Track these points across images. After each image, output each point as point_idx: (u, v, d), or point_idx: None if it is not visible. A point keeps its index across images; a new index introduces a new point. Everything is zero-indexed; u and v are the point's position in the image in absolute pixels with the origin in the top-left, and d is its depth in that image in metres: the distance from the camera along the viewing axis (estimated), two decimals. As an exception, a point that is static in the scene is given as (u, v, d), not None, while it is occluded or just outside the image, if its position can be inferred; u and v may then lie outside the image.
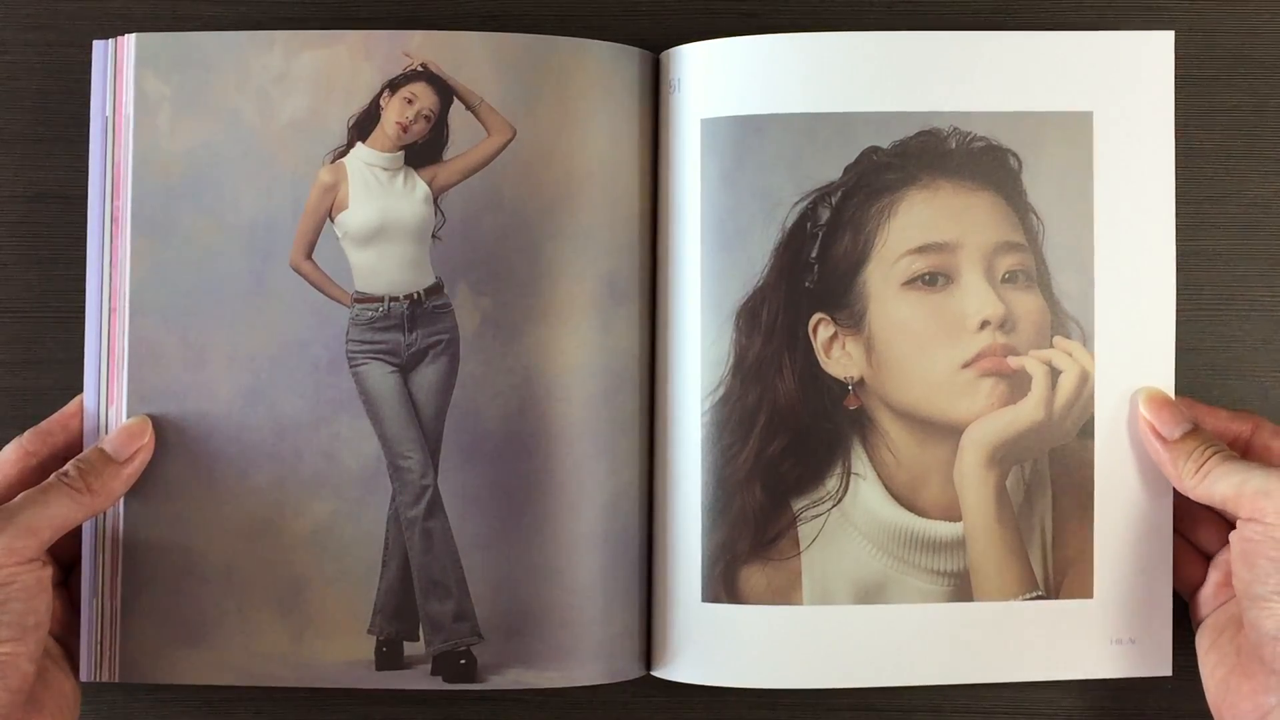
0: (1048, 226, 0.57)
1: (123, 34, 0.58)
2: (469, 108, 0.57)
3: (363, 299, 0.57)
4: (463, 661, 0.56)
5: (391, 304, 0.57)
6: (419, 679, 0.56)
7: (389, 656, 0.57)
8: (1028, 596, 0.56)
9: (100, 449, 0.55)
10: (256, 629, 0.57)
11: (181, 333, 0.57)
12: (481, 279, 0.57)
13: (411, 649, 0.57)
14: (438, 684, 0.56)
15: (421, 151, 0.57)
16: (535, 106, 0.57)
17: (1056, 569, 0.57)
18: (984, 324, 0.56)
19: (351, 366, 0.57)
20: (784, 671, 0.56)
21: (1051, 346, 0.57)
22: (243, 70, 0.57)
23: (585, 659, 0.56)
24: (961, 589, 0.56)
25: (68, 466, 0.54)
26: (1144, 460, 0.56)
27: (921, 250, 0.56)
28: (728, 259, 0.57)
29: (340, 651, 0.56)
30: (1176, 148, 0.57)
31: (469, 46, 0.57)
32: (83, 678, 0.56)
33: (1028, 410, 0.56)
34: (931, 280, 0.56)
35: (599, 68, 0.57)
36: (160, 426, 0.57)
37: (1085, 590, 0.57)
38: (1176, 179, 0.57)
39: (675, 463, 0.58)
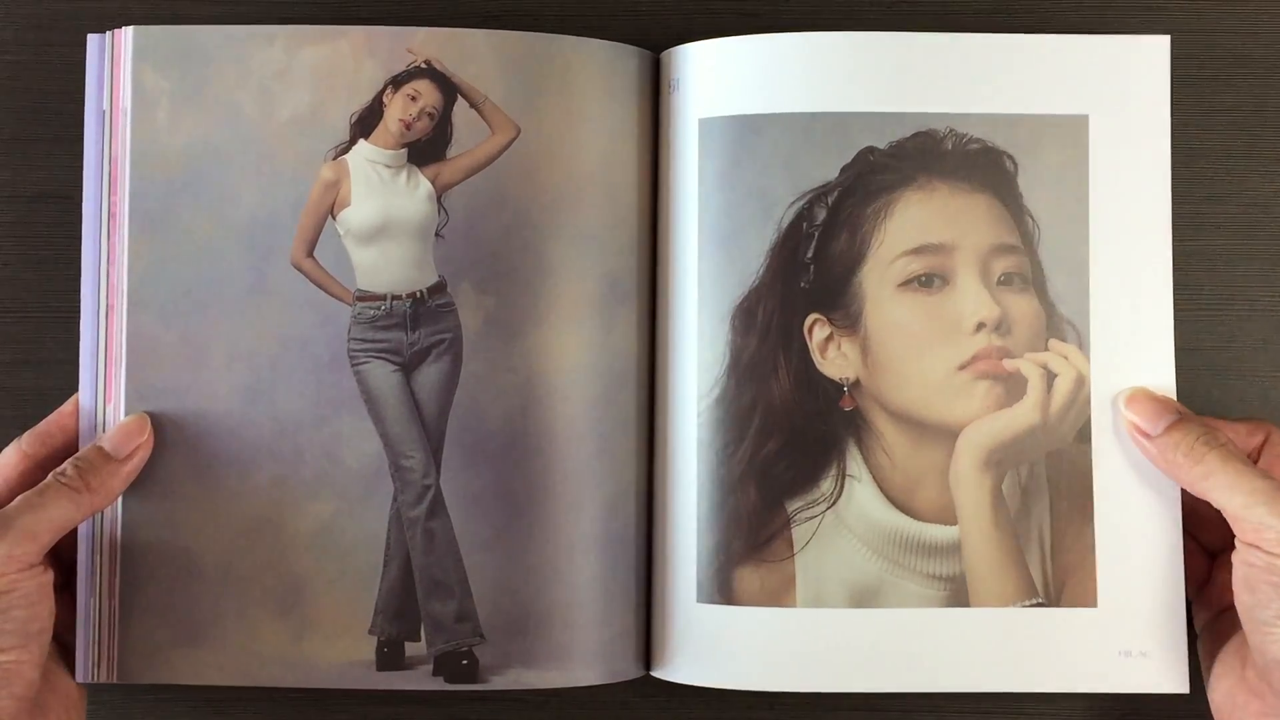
0: (1043, 229, 0.55)
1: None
2: (473, 105, 0.55)
3: (365, 297, 0.55)
4: (464, 662, 0.54)
5: (394, 302, 0.55)
6: (420, 679, 0.54)
7: (390, 657, 0.54)
8: (1027, 603, 0.54)
9: (99, 447, 0.53)
10: (256, 629, 0.54)
11: (181, 330, 0.55)
12: (485, 278, 0.55)
13: (413, 649, 0.54)
14: (439, 684, 0.54)
15: (425, 149, 0.55)
16: (538, 105, 0.55)
17: (1057, 576, 0.54)
18: (979, 326, 0.54)
19: (353, 365, 0.55)
20: (778, 674, 0.54)
21: (1047, 349, 0.54)
22: (243, 65, 0.55)
23: (585, 659, 0.54)
24: (958, 594, 0.54)
25: (65, 465, 0.51)
26: (1146, 464, 0.54)
27: (917, 251, 0.54)
28: (724, 259, 0.55)
29: (341, 652, 0.54)
30: (1176, 148, 0.55)
31: (472, 44, 0.55)
32: (79, 678, 0.54)
33: (1023, 413, 0.54)
34: (927, 282, 0.54)
35: (601, 67, 0.55)
36: (159, 424, 0.54)
37: (1089, 599, 0.54)
38: (1176, 179, 0.55)
39: (673, 463, 0.55)
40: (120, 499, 0.54)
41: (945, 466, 0.54)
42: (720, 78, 0.55)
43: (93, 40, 0.56)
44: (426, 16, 0.59)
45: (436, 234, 0.55)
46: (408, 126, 0.55)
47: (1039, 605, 0.54)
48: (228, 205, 0.55)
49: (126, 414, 0.54)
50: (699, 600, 0.54)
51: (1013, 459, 0.54)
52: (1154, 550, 0.54)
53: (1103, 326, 0.55)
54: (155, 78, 0.55)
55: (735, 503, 0.54)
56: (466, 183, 0.55)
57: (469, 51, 0.55)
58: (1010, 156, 0.55)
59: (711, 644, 0.54)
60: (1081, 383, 0.54)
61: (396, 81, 0.55)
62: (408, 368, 0.55)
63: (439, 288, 0.55)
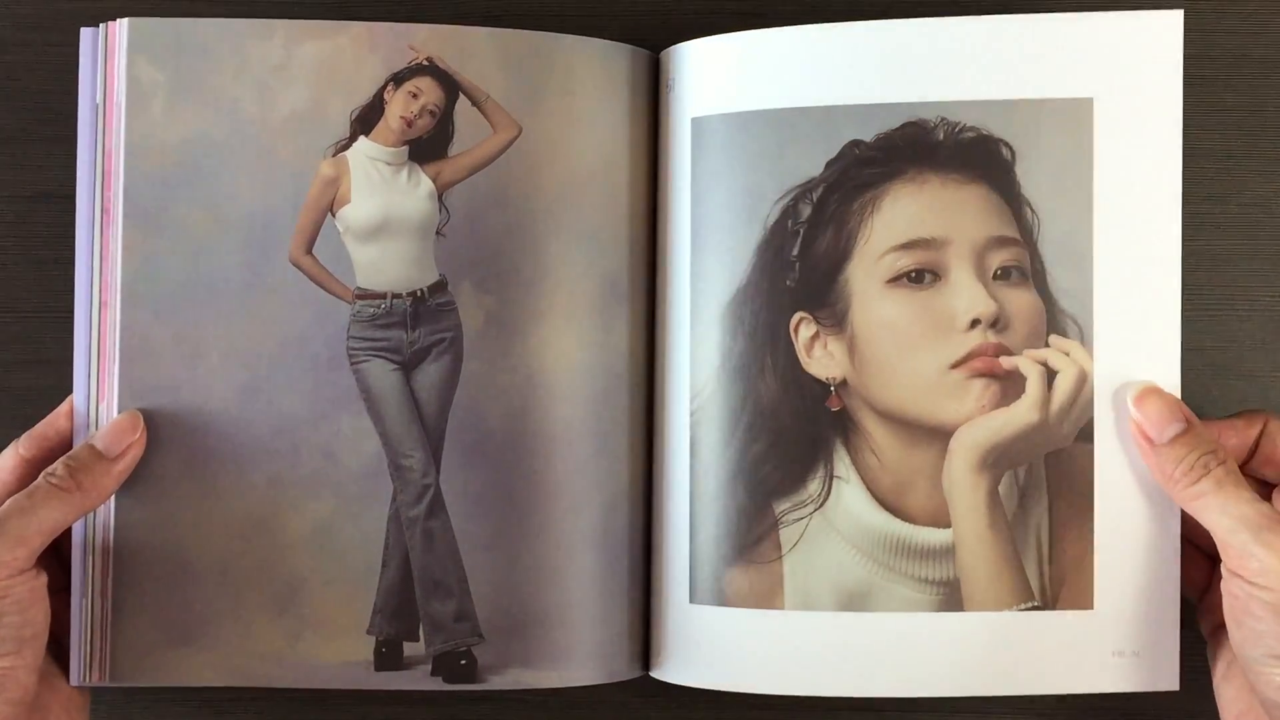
0: (1044, 220, 0.51)
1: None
2: (475, 103, 0.52)
3: (365, 295, 0.52)
4: (463, 662, 0.51)
5: (394, 301, 0.53)
6: (419, 680, 0.51)
7: (388, 657, 0.52)
8: (1022, 607, 0.50)
9: (90, 445, 0.50)
10: (252, 629, 0.51)
11: (176, 327, 0.52)
12: (485, 277, 0.52)
13: (411, 649, 0.52)
14: (438, 684, 0.51)
15: (426, 147, 0.53)
16: (540, 104, 0.52)
17: (1054, 579, 0.50)
18: (974, 322, 0.50)
19: (352, 364, 0.52)
20: (767, 676, 0.51)
21: (1048, 346, 0.51)
22: (241, 59, 0.52)
23: (584, 659, 0.52)
24: (951, 598, 0.50)
25: (55, 465, 0.49)
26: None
27: (907, 246, 0.51)
28: (714, 258, 0.52)
29: (339, 652, 0.51)
30: (1175, 148, 0.53)
31: (474, 42, 0.52)
32: (73, 681, 0.51)
33: (1022, 412, 0.50)
34: (918, 277, 0.51)
35: (602, 67, 0.53)
36: (153, 423, 0.51)
37: (1085, 601, 0.50)
38: (1176, 179, 0.53)
39: (668, 463, 0.53)
40: (113, 498, 0.51)
41: (938, 468, 0.51)
42: (709, 76, 0.52)
43: (86, 33, 0.52)
44: (426, 15, 0.57)
45: (437, 232, 0.53)
46: (409, 124, 0.53)
47: (1034, 609, 0.50)
48: (225, 201, 0.52)
49: (119, 412, 0.51)
50: (691, 601, 0.52)
51: (1010, 460, 0.51)
52: (1153, 550, 0.50)
53: (1107, 321, 0.50)
54: (150, 70, 0.52)
55: (724, 503, 0.52)
56: (467, 181, 0.52)
57: (470, 50, 0.52)
58: (1007, 144, 0.51)
59: (703, 645, 0.52)
60: (1084, 380, 0.50)
61: (398, 78, 0.52)
62: (407, 366, 0.53)
63: (439, 286, 0.53)
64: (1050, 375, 0.51)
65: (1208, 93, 0.56)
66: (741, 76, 0.52)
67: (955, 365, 0.51)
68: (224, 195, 0.52)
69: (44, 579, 0.48)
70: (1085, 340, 0.51)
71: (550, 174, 0.53)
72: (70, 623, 0.51)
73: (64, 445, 0.52)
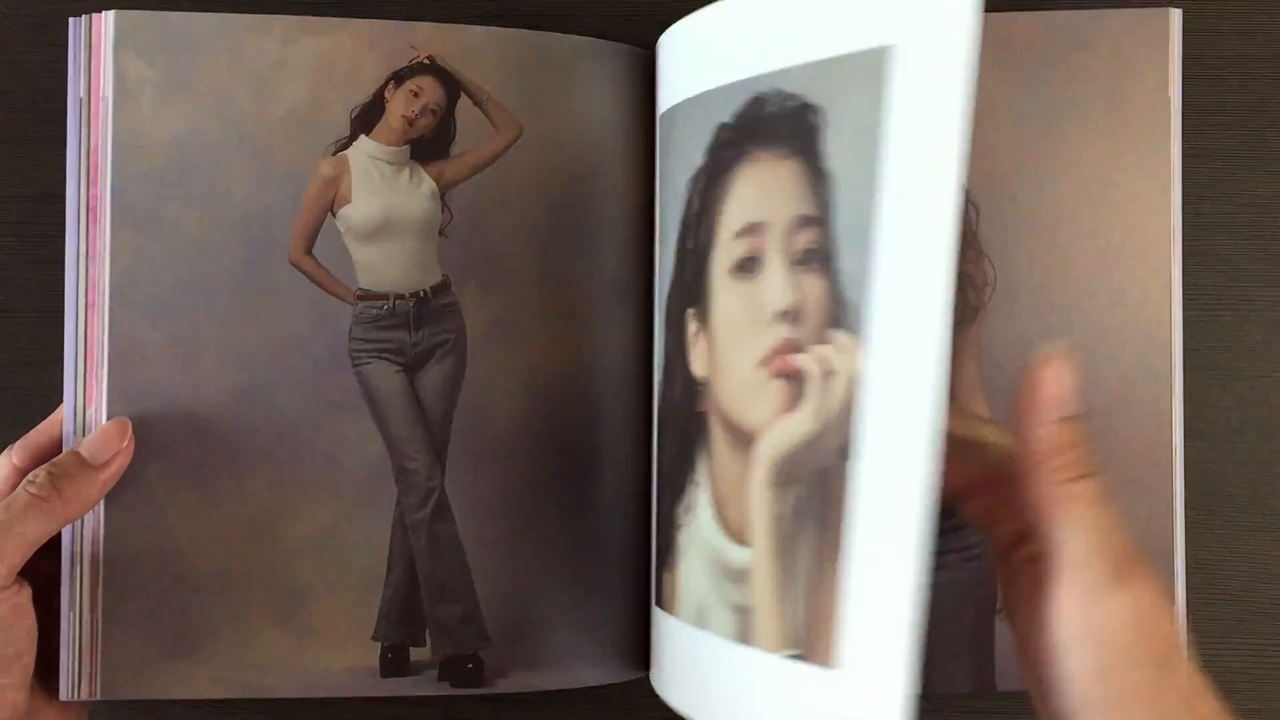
0: (840, 193, 0.40)
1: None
2: (476, 103, 0.48)
3: (367, 296, 0.49)
4: (470, 666, 0.48)
5: (397, 302, 0.49)
6: (425, 685, 0.48)
7: (394, 663, 0.48)
8: (785, 654, 0.40)
9: (76, 453, 0.45)
10: (253, 639, 0.47)
11: (168, 329, 0.47)
12: (489, 277, 0.49)
13: (417, 654, 0.48)
14: (444, 689, 0.48)
15: (427, 146, 0.49)
16: (541, 104, 0.49)
17: (811, 625, 0.39)
18: (778, 315, 0.41)
19: (355, 366, 0.48)
20: (670, 685, 0.46)
21: (828, 341, 0.40)
22: (236, 55, 0.48)
23: (589, 661, 0.48)
24: (747, 630, 0.41)
25: (38, 472, 0.44)
26: (913, 493, 0.37)
27: (740, 233, 0.43)
28: (662, 256, 0.47)
29: (343, 659, 0.48)
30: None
31: (476, 41, 0.49)
32: (62, 696, 0.46)
33: (800, 421, 0.40)
34: (747, 266, 0.42)
35: (604, 67, 0.49)
36: (146, 428, 0.47)
37: (828, 656, 0.38)
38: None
39: (653, 464, 0.49)
40: (102, 507, 0.47)
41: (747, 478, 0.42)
42: (664, 71, 0.48)
43: (73, 25, 0.48)
44: (428, 14, 0.53)
45: (440, 233, 0.49)
46: (410, 123, 0.49)
47: (796, 657, 0.40)
48: (220, 200, 0.48)
49: (108, 417, 0.47)
50: (654, 601, 0.48)
51: (795, 475, 0.40)
52: (910, 608, 0.37)
53: (882, 313, 0.38)
54: (138, 65, 0.48)
55: (659, 506, 0.47)
56: (470, 181, 0.49)
57: (471, 49, 0.49)
58: (815, 109, 0.41)
59: (662, 647, 0.48)
60: (851, 384, 0.39)
61: (399, 77, 0.49)
62: (411, 368, 0.49)
63: (443, 287, 0.49)
64: (829, 377, 0.40)
65: (1208, 93, 0.53)
66: (669, 70, 0.48)
67: (762, 363, 0.42)
68: (219, 194, 0.48)
69: (27, 593, 0.43)
70: (865, 336, 0.39)
71: (552, 174, 0.49)
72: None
73: (58, 453, 0.47)
